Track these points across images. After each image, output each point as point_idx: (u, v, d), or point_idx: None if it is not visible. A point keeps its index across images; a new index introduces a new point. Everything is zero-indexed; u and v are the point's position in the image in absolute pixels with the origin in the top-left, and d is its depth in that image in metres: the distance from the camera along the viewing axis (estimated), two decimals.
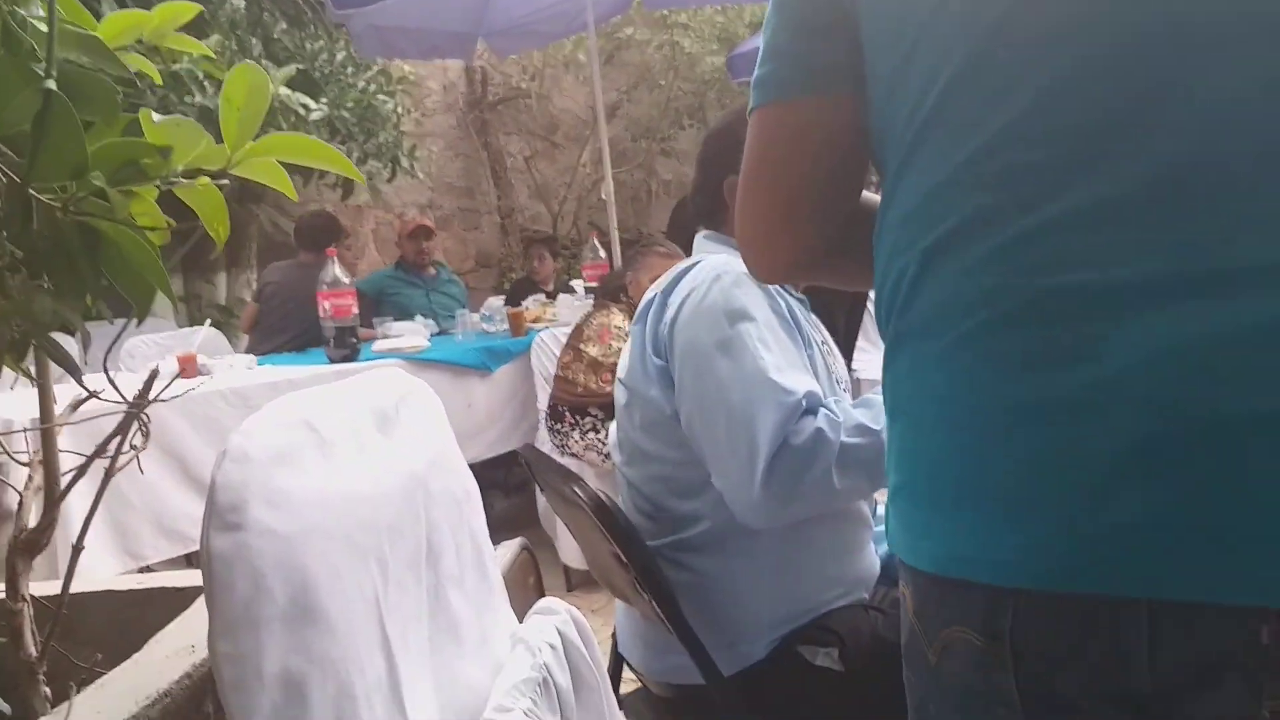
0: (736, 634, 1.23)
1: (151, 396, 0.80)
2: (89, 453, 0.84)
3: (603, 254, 4.26)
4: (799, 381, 1.15)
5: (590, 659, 0.93)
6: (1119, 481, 0.51)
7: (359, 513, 0.73)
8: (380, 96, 4.69)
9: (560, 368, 3.10)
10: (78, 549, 0.83)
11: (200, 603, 0.91)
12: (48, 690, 0.83)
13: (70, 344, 1.13)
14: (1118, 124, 0.53)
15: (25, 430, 1.02)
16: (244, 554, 0.61)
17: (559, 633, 0.91)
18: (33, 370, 0.81)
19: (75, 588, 0.88)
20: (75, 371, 0.64)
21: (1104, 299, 0.52)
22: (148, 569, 2.27)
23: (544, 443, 3.13)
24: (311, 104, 4.02)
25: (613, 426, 1.38)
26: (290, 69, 3.92)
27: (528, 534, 1.52)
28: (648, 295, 1.31)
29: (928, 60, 0.59)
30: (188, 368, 2.65)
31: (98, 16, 0.71)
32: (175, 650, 0.85)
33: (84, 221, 0.55)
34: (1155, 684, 0.52)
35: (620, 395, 1.34)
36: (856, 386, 2.89)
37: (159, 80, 0.75)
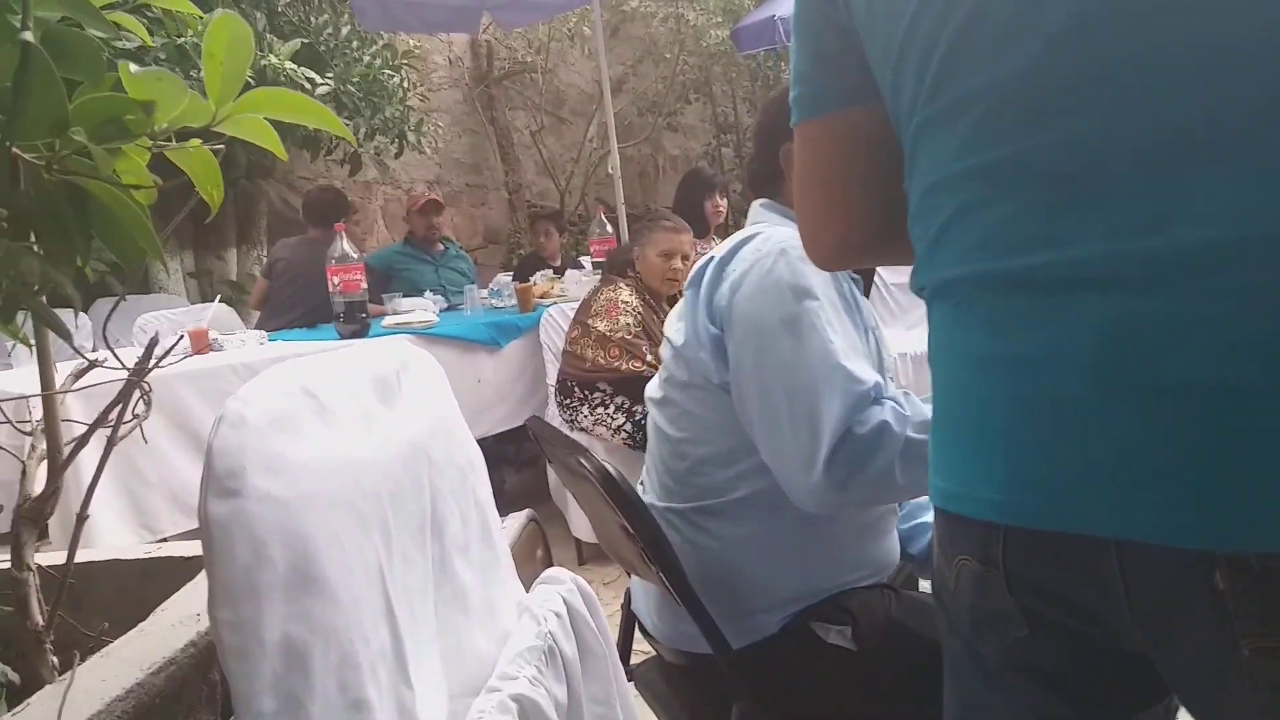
0: (751, 605, 1.22)
1: (152, 364, 0.80)
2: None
3: (610, 229, 4.24)
4: (866, 371, 1.13)
5: (597, 628, 0.93)
6: (1068, 432, 0.58)
7: (360, 480, 0.72)
8: (386, 71, 4.65)
9: (568, 343, 3.09)
10: (82, 517, 0.83)
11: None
12: (54, 659, 0.83)
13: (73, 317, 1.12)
14: (1057, 109, 0.60)
15: (27, 397, 1.02)
16: (243, 520, 0.60)
17: (565, 602, 0.91)
18: (32, 339, 0.80)
19: (83, 557, 0.88)
20: (67, 335, 0.64)
21: (1059, 278, 0.59)
22: (164, 543, 2.29)
23: (553, 418, 3.13)
24: (317, 78, 4.00)
25: (652, 383, 1.36)
26: (295, 43, 3.91)
27: (539, 509, 1.52)
28: (703, 260, 1.27)
29: (911, 68, 0.67)
30: (199, 343, 2.66)
31: None
32: (181, 619, 0.85)
33: (71, 181, 0.54)
34: (1136, 620, 0.58)
35: (667, 350, 1.32)
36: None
37: (148, 41, 0.73)
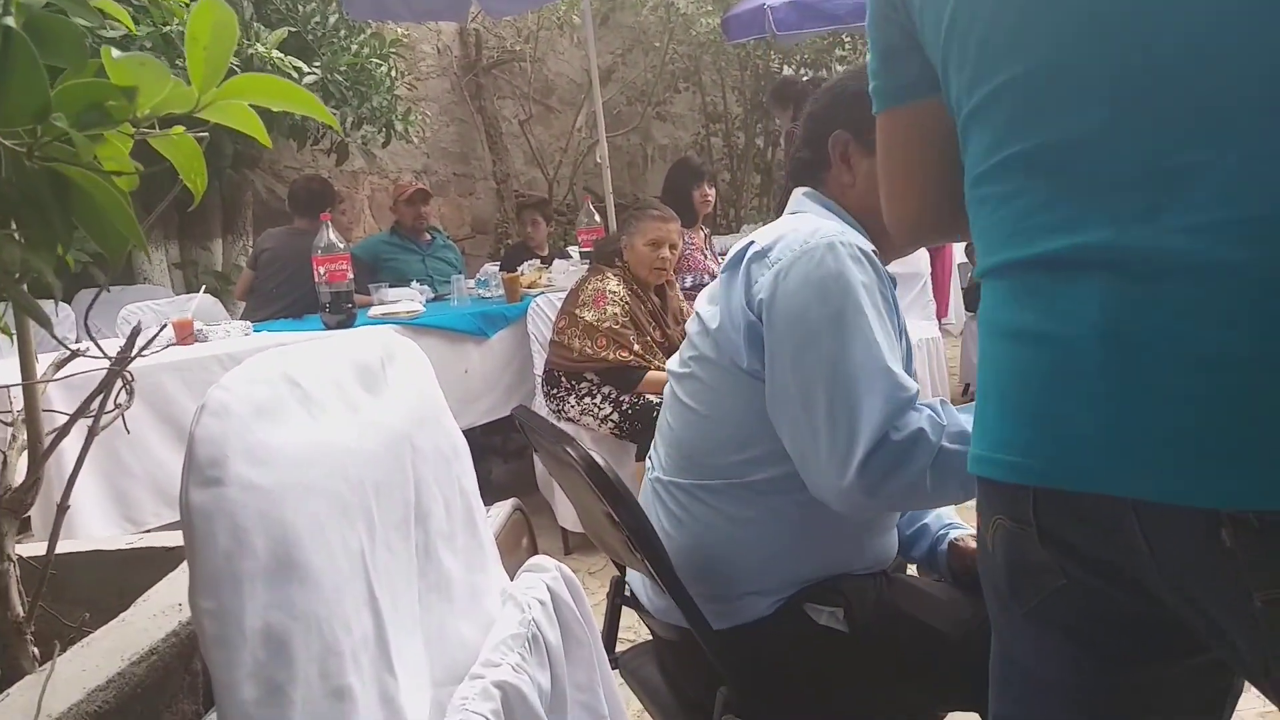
0: (745, 588, 1.23)
1: (134, 354, 0.79)
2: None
3: (598, 219, 4.23)
4: (907, 377, 1.13)
5: (581, 615, 0.93)
6: (1085, 401, 0.63)
7: (344, 469, 0.72)
8: (374, 60, 4.62)
9: (555, 333, 3.09)
10: (63, 508, 0.83)
11: None
12: (35, 650, 0.82)
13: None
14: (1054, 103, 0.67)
15: (8, 386, 1.01)
16: (224, 508, 0.60)
17: (549, 589, 0.91)
18: (13, 329, 0.80)
19: (65, 548, 0.87)
20: (47, 323, 0.63)
21: (1074, 260, 0.65)
22: (146, 534, 2.27)
23: (540, 408, 3.13)
24: (304, 67, 3.96)
25: (672, 359, 1.36)
26: (282, 32, 3.87)
27: (526, 500, 1.51)
28: (742, 242, 1.26)
29: (954, 65, 0.74)
30: (183, 333, 2.64)
31: None
32: (163, 609, 0.85)
33: (53, 168, 0.54)
34: (1165, 579, 0.63)
35: (694, 326, 1.31)
36: None
37: (133, 29, 0.72)
